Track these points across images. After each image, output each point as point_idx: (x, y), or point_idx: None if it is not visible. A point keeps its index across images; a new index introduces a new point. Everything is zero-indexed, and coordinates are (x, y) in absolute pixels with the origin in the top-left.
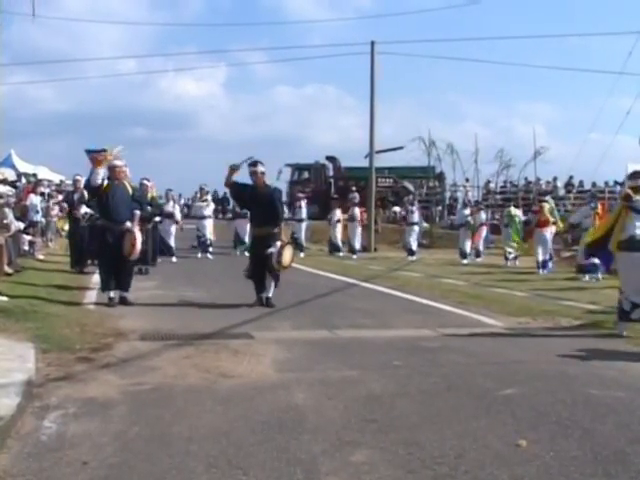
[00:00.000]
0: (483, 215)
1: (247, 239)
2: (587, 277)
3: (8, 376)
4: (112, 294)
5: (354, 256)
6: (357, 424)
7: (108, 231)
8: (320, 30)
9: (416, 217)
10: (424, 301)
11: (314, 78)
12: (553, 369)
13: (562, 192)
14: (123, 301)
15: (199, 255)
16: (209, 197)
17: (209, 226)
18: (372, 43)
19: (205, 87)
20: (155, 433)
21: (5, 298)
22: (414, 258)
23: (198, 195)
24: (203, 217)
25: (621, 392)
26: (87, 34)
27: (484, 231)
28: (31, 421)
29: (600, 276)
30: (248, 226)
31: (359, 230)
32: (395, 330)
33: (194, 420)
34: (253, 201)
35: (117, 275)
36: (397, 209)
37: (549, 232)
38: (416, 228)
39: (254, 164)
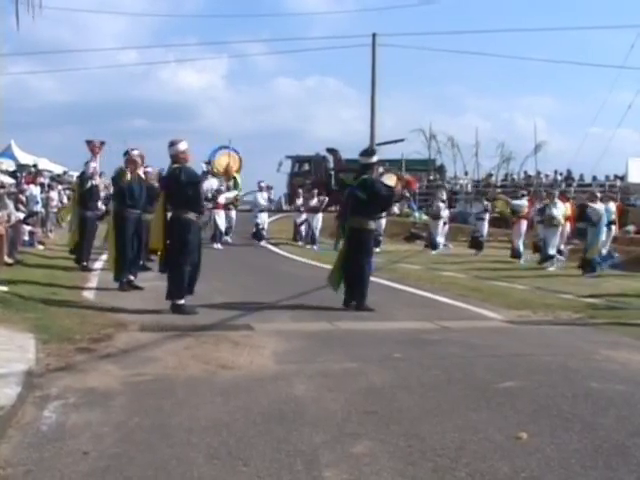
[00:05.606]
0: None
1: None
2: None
3: (8, 366)
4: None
5: (315, 247)
6: (358, 416)
7: (196, 225)
8: (321, 22)
9: None
10: (424, 293)
11: (315, 70)
12: (554, 362)
13: (563, 185)
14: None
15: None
16: None
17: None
18: (373, 35)
19: (206, 79)
20: (155, 424)
21: (5, 288)
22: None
23: None
24: None
25: (622, 385)
26: (88, 25)
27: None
28: (31, 411)
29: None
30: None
31: (319, 217)
32: (396, 322)
33: (194, 411)
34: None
35: (195, 276)
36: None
37: (525, 224)
38: (382, 221)
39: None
